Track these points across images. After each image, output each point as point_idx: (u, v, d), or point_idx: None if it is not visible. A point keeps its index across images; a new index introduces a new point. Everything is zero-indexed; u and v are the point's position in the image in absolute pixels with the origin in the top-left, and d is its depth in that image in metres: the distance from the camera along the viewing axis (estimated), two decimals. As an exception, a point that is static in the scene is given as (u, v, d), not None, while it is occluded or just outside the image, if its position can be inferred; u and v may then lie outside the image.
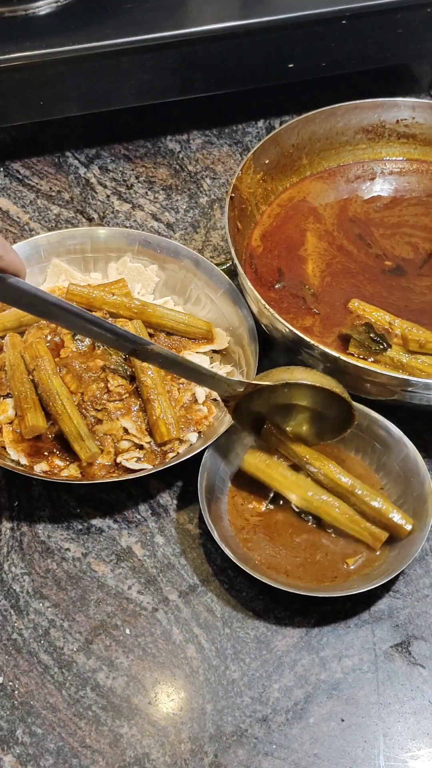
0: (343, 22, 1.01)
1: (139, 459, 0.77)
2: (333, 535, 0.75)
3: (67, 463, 0.77)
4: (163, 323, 0.85)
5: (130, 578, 0.75)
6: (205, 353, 0.86)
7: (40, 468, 0.77)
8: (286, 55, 1.03)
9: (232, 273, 0.95)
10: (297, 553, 0.74)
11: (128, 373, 0.80)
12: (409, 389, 0.75)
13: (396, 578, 0.74)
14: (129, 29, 0.96)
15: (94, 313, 0.74)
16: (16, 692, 0.69)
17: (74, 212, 1.02)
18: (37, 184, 1.05)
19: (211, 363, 0.85)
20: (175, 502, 0.79)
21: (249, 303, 0.85)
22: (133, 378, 0.80)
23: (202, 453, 0.76)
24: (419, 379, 0.74)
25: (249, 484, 0.77)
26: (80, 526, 0.77)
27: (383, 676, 0.70)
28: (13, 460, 0.77)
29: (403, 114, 1.00)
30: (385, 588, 0.74)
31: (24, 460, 0.77)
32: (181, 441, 0.79)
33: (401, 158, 1.02)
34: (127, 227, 1.01)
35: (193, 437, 0.79)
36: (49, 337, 0.83)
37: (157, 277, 0.91)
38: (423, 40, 1.07)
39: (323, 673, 0.70)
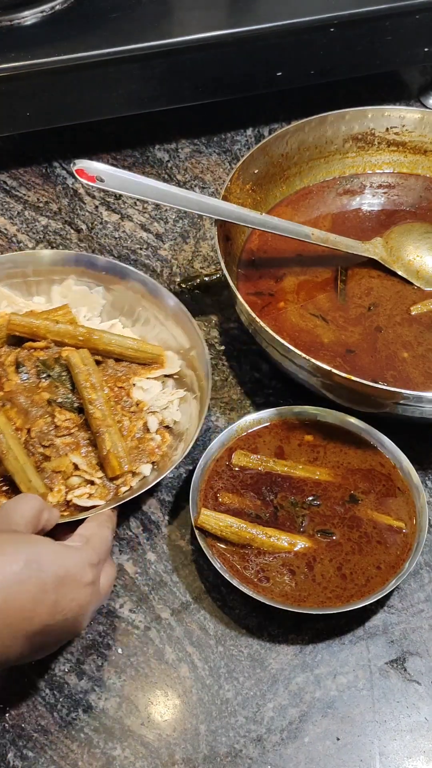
0: (332, 29, 1.00)
1: (90, 495, 0.74)
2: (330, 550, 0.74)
3: None
4: (111, 350, 0.81)
5: (122, 596, 0.74)
6: (156, 378, 0.83)
7: None
8: (274, 63, 1.02)
9: (222, 284, 0.94)
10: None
11: (75, 405, 0.77)
12: (402, 402, 0.75)
13: (390, 593, 0.74)
14: (116, 39, 0.95)
15: (37, 342, 0.81)
16: (6, 715, 0.68)
17: (62, 223, 1.01)
18: (24, 195, 1.04)
19: (162, 388, 0.82)
20: (166, 518, 0.78)
21: (239, 314, 0.84)
22: (81, 410, 0.77)
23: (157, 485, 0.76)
24: (411, 392, 0.74)
25: (241, 499, 0.77)
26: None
27: (379, 694, 0.69)
28: None
29: (393, 122, 0.99)
30: (380, 603, 0.73)
31: None
32: (134, 474, 0.76)
33: (390, 170, 1.02)
34: (115, 238, 1.00)
35: (146, 469, 0.76)
36: None
37: (103, 300, 0.88)
38: (412, 47, 1.06)
39: (318, 691, 0.69)
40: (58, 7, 0.99)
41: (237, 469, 0.78)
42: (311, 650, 0.71)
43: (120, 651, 0.71)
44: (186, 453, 0.75)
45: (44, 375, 0.79)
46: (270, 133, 0.98)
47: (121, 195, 1.04)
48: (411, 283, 0.91)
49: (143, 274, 0.87)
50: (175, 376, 0.84)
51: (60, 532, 0.69)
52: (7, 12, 0.97)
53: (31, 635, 0.58)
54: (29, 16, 0.98)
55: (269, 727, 0.68)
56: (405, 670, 0.71)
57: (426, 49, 1.06)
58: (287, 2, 1.01)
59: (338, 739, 0.67)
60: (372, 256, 0.92)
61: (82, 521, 0.70)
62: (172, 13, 1.00)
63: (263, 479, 0.77)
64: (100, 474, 0.75)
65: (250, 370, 0.89)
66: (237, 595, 0.73)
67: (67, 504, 0.74)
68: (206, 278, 0.97)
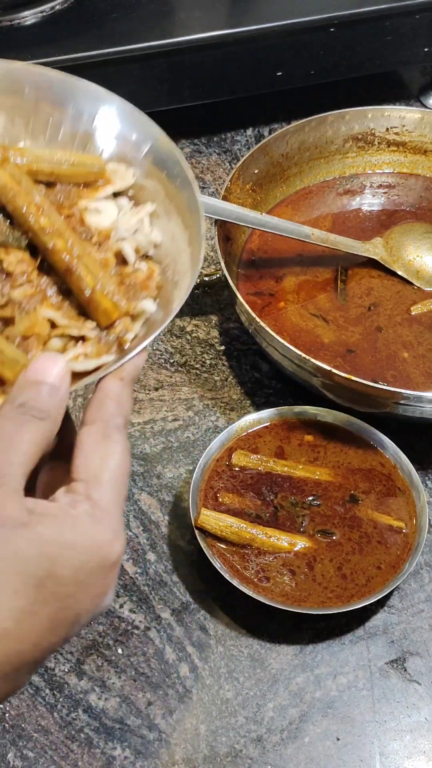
0: (332, 29, 1.00)
1: (86, 355, 0.53)
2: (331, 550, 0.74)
3: None
4: (39, 169, 0.57)
5: (122, 596, 0.74)
6: (106, 198, 0.60)
7: None
8: (274, 63, 1.02)
9: (222, 284, 0.94)
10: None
11: (24, 242, 0.55)
12: (402, 402, 0.75)
13: (391, 593, 0.73)
14: (116, 39, 0.95)
15: None
16: (6, 715, 0.68)
17: (62, 223, 1.01)
18: (24, 195, 1.04)
19: (120, 212, 0.60)
20: (166, 517, 0.78)
21: (239, 314, 0.84)
22: (33, 248, 0.55)
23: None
24: (412, 392, 0.74)
25: (241, 499, 0.77)
26: (71, 544, 0.77)
27: (379, 694, 0.69)
28: None
29: (393, 122, 0.99)
30: (380, 603, 0.73)
31: None
32: (132, 317, 0.55)
33: (390, 170, 1.02)
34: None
35: (148, 305, 0.55)
36: None
37: None
38: (412, 47, 1.06)
39: (318, 691, 0.69)
40: (57, 8, 0.99)
41: (237, 469, 0.78)
42: (311, 650, 0.71)
43: (120, 651, 0.71)
44: (195, 279, 0.55)
45: None
46: (270, 133, 0.98)
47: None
48: (411, 283, 0.91)
49: (44, 70, 0.62)
50: (129, 192, 0.62)
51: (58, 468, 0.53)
52: (7, 12, 0.97)
53: (39, 660, 0.45)
54: (29, 16, 0.98)
55: (269, 727, 0.67)
56: (405, 670, 0.71)
57: (426, 49, 1.06)
58: (287, 2, 1.01)
59: (338, 739, 0.67)
60: (372, 256, 0.92)
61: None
62: (172, 12, 1.00)
63: (263, 479, 0.77)
64: (91, 324, 0.54)
65: (250, 370, 0.89)
66: (237, 595, 0.73)
67: None
68: (206, 278, 0.97)
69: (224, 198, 0.89)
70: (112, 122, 0.61)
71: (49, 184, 0.58)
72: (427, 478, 0.81)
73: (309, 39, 1.01)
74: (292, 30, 0.99)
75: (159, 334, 0.57)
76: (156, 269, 0.58)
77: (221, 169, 1.09)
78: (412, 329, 0.87)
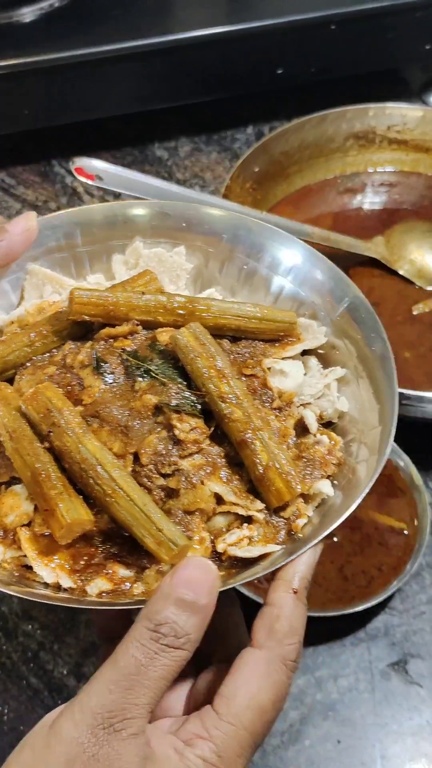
0: (332, 27, 1.00)
1: (251, 540, 0.49)
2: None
3: (139, 570, 0.49)
4: (226, 323, 0.55)
5: (121, 598, 0.73)
6: (294, 357, 0.57)
7: (96, 588, 0.48)
8: (274, 60, 1.01)
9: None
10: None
11: (199, 406, 0.51)
12: (403, 402, 0.74)
13: (392, 595, 0.73)
14: (116, 36, 0.95)
15: (118, 327, 0.54)
16: (5, 717, 0.67)
17: (61, 222, 1.01)
18: (23, 193, 1.04)
19: (305, 372, 0.57)
20: (166, 518, 0.78)
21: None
22: (207, 414, 0.51)
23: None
24: (413, 392, 0.73)
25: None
26: (70, 545, 0.76)
27: (380, 696, 0.69)
28: (46, 583, 0.48)
29: (395, 120, 0.99)
30: (381, 605, 0.73)
31: (67, 581, 0.48)
32: (306, 498, 0.52)
33: (391, 168, 1.02)
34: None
35: (325, 486, 0.51)
36: (58, 377, 0.54)
37: (188, 263, 0.62)
38: (413, 45, 1.06)
39: (319, 693, 0.69)
40: (56, 5, 0.99)
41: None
42: (312, 652, 0.71)
43: (119, 653, 0.70)
44: (384, 456, 0.50)
45: (140, 372, 0.53)
46: (270, 131, 0.98)
47: (120, 193, 1.03)
48: (412, 283, 0.91)
49: (243, 216, 0.61)
50: (319, 351, 0.58)
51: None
52: (6, 9, 0.97)
53: None
54: (28, 14, 0.97)
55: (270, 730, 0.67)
56: (406, 672, 0.70)
57: (427, 47, 1.06)
58: (288, -1, 1.00)
59: (339, 741, 0.67)
60: (373, 255, 0.91)
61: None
62: (172, 10, 1.00)
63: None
64: (259, 505, 0.50)
65: (251, 369, 0.89)
66: (238, 596, 0.72)
67: (219, 557, 0.49)
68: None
69: (224, 196, 0.88)
70: (309, 276, 0.59)
71: (235, 339, 0.56)
72: (428, 478, 0.81)
73: (310, 36, 1.00)
74: (293, 27, 0.99)
75: (338, 525, 0.48)
76: (339, 442, 0.53)
77: (221, 168, 1.08)
78: (414, 329, 0.86)
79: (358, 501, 0.48)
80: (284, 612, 0.45)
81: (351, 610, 0.69)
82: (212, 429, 0.51)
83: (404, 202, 0.99)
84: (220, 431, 0.51)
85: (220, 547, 0.49)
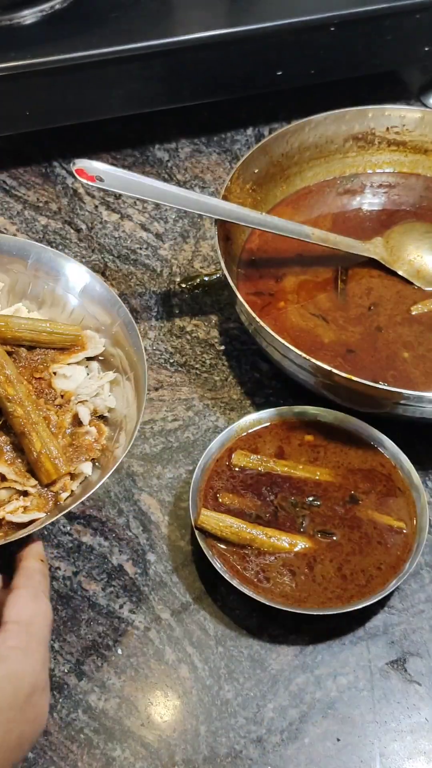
0: (332, 29, 1.00)
1: (26, 508, 0.65)
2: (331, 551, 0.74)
3: None
4: (21, 336, 0.71)
5: (122, 597, 0.74)
6: (78, 363, 0.73)
7: None
8: (274, 62, 1.02)
9: (222, 284, 0.94)
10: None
11: None
12: (402, 402, 0.75)
13: (391, 594, 0.73)
14: (116, 38, 0.95)
15: None
16: (6, 715, 0.68)
17: (62, 223, 1.01)
18: (24, 194, 1.04)
19: (88, 374, 0.74)
20: (166, 518, 0.78)
21: (239, 313, 0.84)
22: None
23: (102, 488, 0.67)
24: (412, 392, 0.74)
25: (241, 499, 0.77)
26: (70, 544, 0.76)
27: (379, 694, 0.69)
28: None
29: (394, 121, 0.99)
30: (380, 604, 0.73)
31: None
32: (72, 476, 0.67)
33: (390, 170, 1.02)
34: (115, 238, 1.00)
35: (87, 468, 0.67)
36: None
37: (0, 282, 0.78)
38: (412, 46, 1.06)
39: (318, 691, 0.69)
40: (57, 6, 0.99)
41: (237, 469, 0.78)
42: (311, 651, 0.71)
43: (120, 652, 0.71)
44: (131, 444, 0.66)
45: None
46: (270, 133, 0.98)
47: (120, 194, 1.04)
48: (411, 283, 0.91)
49: (43, 246, 0.79)
50: (99, 358, 0.75)
51: None
52: (7, 11, 0.97)
53: None
54: (28, 16, 0.98)
55: (269, 728, 0.67)
56: (405, 670, 0.70)
57: (426, 48, 1.06)
58: (287, 1, 1.01)
59: (338, 740, 0.67)
60: (372, 256, 0.92)
61: (17, 543, 0.62)
62: (172, 12, 1.00)
63: (263, 479, 0.77)
64: (33, 482, 0.66)
65: (250, 370, 0.89)
66: (237, 596, 0.73)
67: (0, 523, 0.65)
68: (206, 278, 0.96)
69: (224, 198, 0.89)
70: (95, 296, 0.76)
71: (32, 348, 0.72)
72: (427, 478, 0.81)
73: (309, 38, 1.01)
74: (292, 29, 0.99)
75: (89, 496, 0.65)
76: (105, 432, 0.69)
77: (221, 169, 1.08)
78: (413, 329, 0.87)
79: (107, 476, 0.64)
80: (37, 568, 0.62)
81: (350, 609, 0.69)
82: (1, 422, 0.66)
83: (403, 203, 0.99)
84: (6, 425, 0.67)
85: (0, 514, 0.64)
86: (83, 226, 1.01)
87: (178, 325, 0.92)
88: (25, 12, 0.97)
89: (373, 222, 0.98)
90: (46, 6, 0.98)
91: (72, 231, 1.01)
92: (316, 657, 0.71)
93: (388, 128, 1.00)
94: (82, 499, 0.64)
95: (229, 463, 0.78)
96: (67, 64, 0.94)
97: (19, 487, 0.65)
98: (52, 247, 0.98)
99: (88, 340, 0.74)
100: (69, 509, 0.63)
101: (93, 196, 1.04)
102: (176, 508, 0.79)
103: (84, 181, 0.80)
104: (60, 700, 0.68)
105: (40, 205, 1.03)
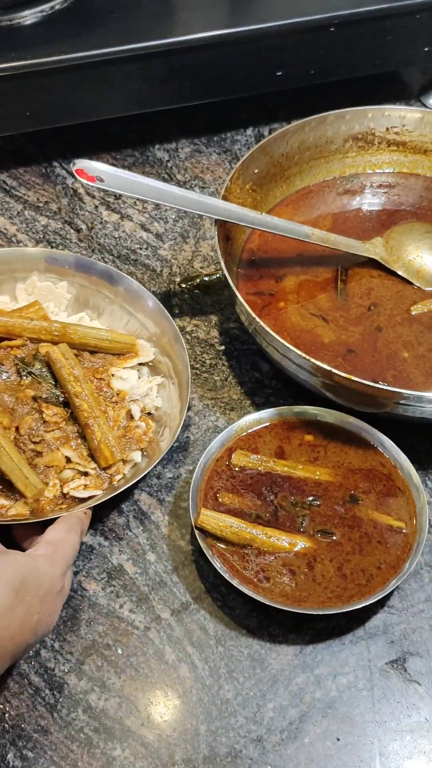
0: (332, 29, 1.00)
1: (86, 486, 0.76)
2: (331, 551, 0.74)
3: (13, 501, 0.74)
4: (86, 342, 0.82)
5: (122, 596, 0.74)
6: (132, 367, 0.84)
7: None
8: (274, 63, 1.02)
9: (222, 284, 0.94)
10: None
11: (61, 399, 0.78)
12: (402, 402, 0.75)
13: (391, 593, 0.73)
14: (116, 38, 0.95)
15: (14, 341, 0.81)
16: (6, 715, 0.68)
17: (62, 223, 1.01)
18: (24, 195, 1.04)
19: (139, 376, 0.84)
20: (166, 518, 0.78)
21: (239, 314, 0.84)
22: (66, 404, 0.78)
23: (150, 473, 0.75)
24: (412, 392, 0.74)
25: (241, 499, 0.77)
26: (70, 544, 0.76)
27: (379, 694, 0.69)
28: None
29: (393, 121, 0.99)
30: (380, 603, 0.73)
31: None
32: (125, 462, 0.78)
33: (390, 170, 1.02)
34: (115, 238, 1.00)
35: (137, 456, 0.78)
36: None
37: (68, 294, 0.89)
38: (412, 47, 1.06)
39: (318, 691, 0.69)
40: (57, 7, 0.99)
41: (237, 469, 0.78)
42: (311, 650, 0.71)
43: (120, 651, 0.71)
44: (175, 437, 0.76)
45: (25, 372, 0.79)
46: (270, 133, 0.98)
47: (120, 195, 1.04)
48: (411, 283, 0.91)
49: (105, 265, 0.88)
50: (149, 364, 0.85)
51: (30, 528, 0.72)
52: (7, 11, 0.97)
53: (14, 654, 0.60)
54: (29, 16, 0.98)
55: (269, 728, 0.67)
56: (405, 670, 0.70)
57: (426, 49, 1.06)
58: (287, 2, 1.01)
59: (338, 739, 0.67)
60: (372, 256, 0.92)
61: (51, 521, 0.71)
62: (173, 12, 1.00)
63: (263, 479, 0.77)
64: (93, 465, 0.77)
65: (250, 370, 0.89)
66: (237, 596, 0.73)
67: (64, 496, 0.75)
68: (206, 278, 0.96)
69: (224, 198, 0.89)
70: (150, 312, 0.86)
71: (94, 352, 0.83)
72: (427, 478, 0.81)
73: (309, 39, 1.01)
74: (293, 30, 0.99)
75: (140, 480, 0.77)
76: (152, 427, 0.80)
77: (221, 169, 1.08)
78: (413, 329, 0.87)
79: (154, 464, 0.75)
80: (79, 515, 0.72)
81: (350, 608, 0.69)
82: (69, 414, 0.78)
83: (403, 204, 0.99)
84: (74, 416, 0.78)
85: (65, 490, 0.75)
86: (83, 226, 1.01)
87: (178, 325, 0.92)
88: (26, 12, 0.98)
89: (373, 222, 0.98)
90: (46, 6, 0.98)
91: (72, 231, 1.01)
92: (316, 656, 0.71)
93: (388, 128, 1.00)
94: (132, 482, 0.75)
95: (229, 462, 0.78)
96: (67, 65, 0.94)
97: (81, 469, 0.76)
98: (51, 247, 0.98)
99: (140, 348, 0.85)
100: (121, 490, 0.74)
101: (93, 197, 1.04)
102: (176, 508, 0.79)
103: (84, 181, 0.80)
104: (60, 699, 0.68)
105: (41, 205, 1.03)
